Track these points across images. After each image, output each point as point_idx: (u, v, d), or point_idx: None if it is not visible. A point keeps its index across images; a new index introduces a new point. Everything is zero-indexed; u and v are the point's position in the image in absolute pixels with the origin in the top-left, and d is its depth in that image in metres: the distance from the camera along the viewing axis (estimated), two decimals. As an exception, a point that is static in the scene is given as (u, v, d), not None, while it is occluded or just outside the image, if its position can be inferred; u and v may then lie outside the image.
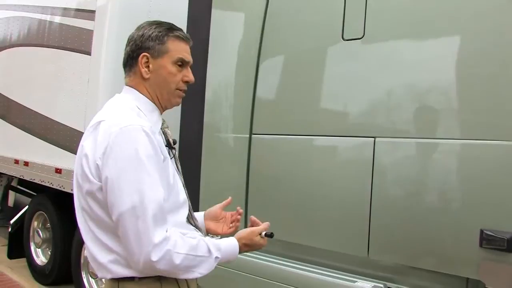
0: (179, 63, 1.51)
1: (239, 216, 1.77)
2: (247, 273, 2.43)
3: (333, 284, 2.19)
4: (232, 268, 2.47)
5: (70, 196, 3.89)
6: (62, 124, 4.08)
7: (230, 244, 1.53)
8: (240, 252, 1.55)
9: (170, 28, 1.52)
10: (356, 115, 2.28)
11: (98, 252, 1.40)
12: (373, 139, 2.18)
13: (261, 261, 2.46)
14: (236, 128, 2.77)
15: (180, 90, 1.54)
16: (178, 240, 1.36)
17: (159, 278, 1.41)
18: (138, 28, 1.52)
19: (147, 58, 1.48)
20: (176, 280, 1.46)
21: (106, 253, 1.39)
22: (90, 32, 3.82)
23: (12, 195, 6.06)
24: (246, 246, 1.57)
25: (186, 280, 1.50)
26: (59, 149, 4.08)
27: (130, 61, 1.51)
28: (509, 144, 1.84)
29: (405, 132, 2.12)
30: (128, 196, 1.30)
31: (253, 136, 2.66)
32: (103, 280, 3.79)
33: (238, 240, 1.55)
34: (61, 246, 4.35)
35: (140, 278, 1.39)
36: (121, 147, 1.33)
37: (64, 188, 3.96)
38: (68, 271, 4.23)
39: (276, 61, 2.64)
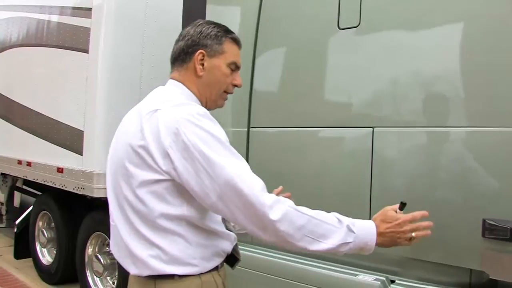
0: (232, 67, 1.51)
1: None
2: (245, 268, 2.39)
3: (334, 278, 2.15)
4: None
5: (72, 195, 3.93)
6: (62, 123, 4.08)
7: (364, 220, 1.39)
8: (379, 236, 1.37)
9: (227, 30, 1.53)
10: (354, 105, 2.24)
11: (137, 246, 1.35)
12: (371, 129, 2.13)
13: (259, 255, 2.43)
14: (234, 122, 2.74)
15: (227, 92, 1.54)
16: (296, 206, 1.31)
17: (199, 276, 1.38)
18: (195, 25, 1.51)
19: (203, 56, 1.46)
20: (213, 277, 1.43)
21: (146, 247, 1.34)
22: (87, 30, 3.80)
23: (18, 196, 6.11)
24: (383, 223, 1.39)
25: (221, 278, 1.47)
26: (60, 148, 4.09)
27: (183, 56, 1.48)
28: (510, 131, 1.79)
29: (404, 122, 2.07)
30: (222, 172, 1.26)
31: (251, 129, 2.62)
32: (112, 280, 3.64)
33: (373, 219, 1.42)
34: (65, 245, 4.37)
35: (180, 276, 1.35)
36: (194, 132, 1.28)
37: (66, 187, 3.97)
38: (74, 270, 4.25)
39: (272, 54, 2.60)
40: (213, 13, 2.91)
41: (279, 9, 2.57)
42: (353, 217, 2.21)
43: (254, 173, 2.72)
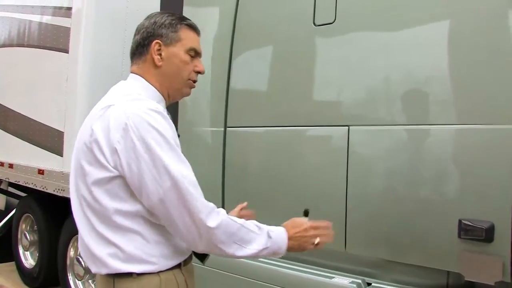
0: (191, 53, 1.49)
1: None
2: (219, 270, 2.34)
3: (309, 281, 2.11)
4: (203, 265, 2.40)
5: (54, 198, 3.86)
6: (43, 124, 4.01)
7: (276, 227, 1.47)
8: (290, 240, 1.45)
9: (182, 18, 1.52)
10: (329, 103, 2.19)
11: (95, 245, 1.35)
12: (347, 127, 2.09)
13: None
14: (211, 122, 2.69)
15: (192, 80, 1.52)
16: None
17: (158, 274, 1.37)
18: (149, 17, 1.50)
19: (160, 45, 1.45)
20: (174, 275, 1.41)
21: (104, 246, 1.34)
22: (67, 30, 3.74)
23: (3, 198, 6.01)
24: (292, 229, 1.47)
25: (184, 277, 1.45)
26: (41, 149, 4.02)
27: (140, 49, 1.47)
28: (487, 128, 1.74)
29: (380, 120, 2.02)
30: (166, 174, 1.27)
31: (228, 129, 2.57)
32: (94, 283, 3.58)
33: (283, 225, 1.49)
34: (48, 248, 4.30)
35: (139, 274, 1.34)
36: (144, 128, 1.28)
37: (47, 189, 3.90)
38: (56, 273, 4.17)
39: (248, 54, 2.55)
40: (190, 14, 2.84)
41: (256, 8, 2.52)
42: (330, 216, 2.19)
43: (230, 172, 2.72)
